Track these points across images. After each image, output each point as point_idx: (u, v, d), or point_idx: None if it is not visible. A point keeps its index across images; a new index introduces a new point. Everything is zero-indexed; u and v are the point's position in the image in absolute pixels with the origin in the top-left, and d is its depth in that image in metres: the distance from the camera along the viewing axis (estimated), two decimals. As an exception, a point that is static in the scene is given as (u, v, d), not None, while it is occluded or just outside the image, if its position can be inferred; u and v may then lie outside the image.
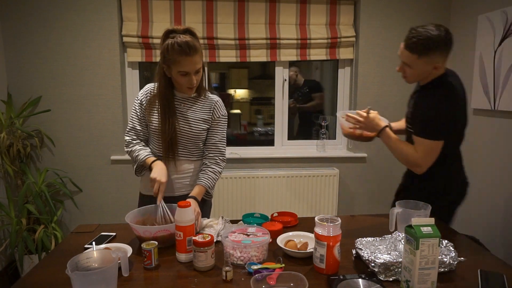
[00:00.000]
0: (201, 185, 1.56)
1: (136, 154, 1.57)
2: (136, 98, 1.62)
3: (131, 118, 1.63)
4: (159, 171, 1.48)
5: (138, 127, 1.61)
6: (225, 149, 1.67)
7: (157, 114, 1.57)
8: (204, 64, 1.59)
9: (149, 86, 1.62)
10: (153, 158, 1.55)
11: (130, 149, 1.60)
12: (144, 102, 1.60)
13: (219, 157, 1.64)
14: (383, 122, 1.61)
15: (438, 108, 1.43)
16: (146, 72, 3.03)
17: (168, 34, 1.46)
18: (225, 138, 1.67)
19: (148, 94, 1.60)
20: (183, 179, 1.63)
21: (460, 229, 2.74)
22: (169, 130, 1.53)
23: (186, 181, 1.64)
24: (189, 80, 1.47)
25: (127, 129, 1.63)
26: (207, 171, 1.60)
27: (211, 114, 1.61)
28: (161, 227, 1.30)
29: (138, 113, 1.61)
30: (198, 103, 1.61)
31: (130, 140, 1.61)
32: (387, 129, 1.58)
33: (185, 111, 1.58)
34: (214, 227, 1.47)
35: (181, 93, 1.59)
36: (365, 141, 1.71)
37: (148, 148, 1.62)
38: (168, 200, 1.53)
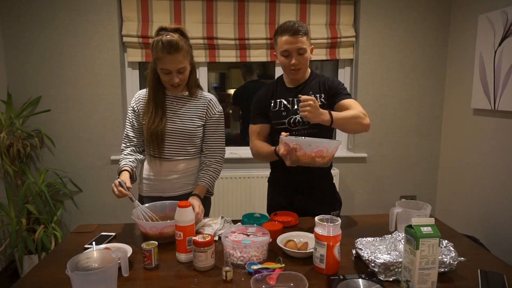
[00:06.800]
0: (203, 185, 1.58)
1: (119, 162, 1.60)
2: (129, 106, 1.64)
3: (126, 125, 1.66)
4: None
5: (131, 134, 1.64)
6: (224, 147, 1.67)
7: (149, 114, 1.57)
8: (194, 64, 1.59)
9: (139, 93, 1.65)
10: (125, 168, 1.53)
11: (120, 157, 1.64)
12: (136, 108, 1.62)
13: (219, 155, 1.65)
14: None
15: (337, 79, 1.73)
16: (146, 72, 3.01)
17: (158, 31, 1.48)
18: (223, 135, 1.66)
19: (140, 100, 1.62)
20: (183, 178, 1.63)
21: (460, 229, 2.75)
22: (158, 124, 1.53)
23: (186, 181, 1.64)
24: (171, 78, 1.49)
25: (123, 136, 1.66)
26: (207, 170, 1.61)
27: (205, 111, 1.62)
28: (167, 222, 1.32)
29: (131, 119, 1.63)
30: (191, 102, 1.61)
31: (123, 148, 1.65)
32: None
33: (177, 109, 1.59)
34: (212, 226, 1.48)
35: (172, 92, 1.60)
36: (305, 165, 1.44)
37: (133, 155, 1.62)
38: (171, 199, 1.55)
